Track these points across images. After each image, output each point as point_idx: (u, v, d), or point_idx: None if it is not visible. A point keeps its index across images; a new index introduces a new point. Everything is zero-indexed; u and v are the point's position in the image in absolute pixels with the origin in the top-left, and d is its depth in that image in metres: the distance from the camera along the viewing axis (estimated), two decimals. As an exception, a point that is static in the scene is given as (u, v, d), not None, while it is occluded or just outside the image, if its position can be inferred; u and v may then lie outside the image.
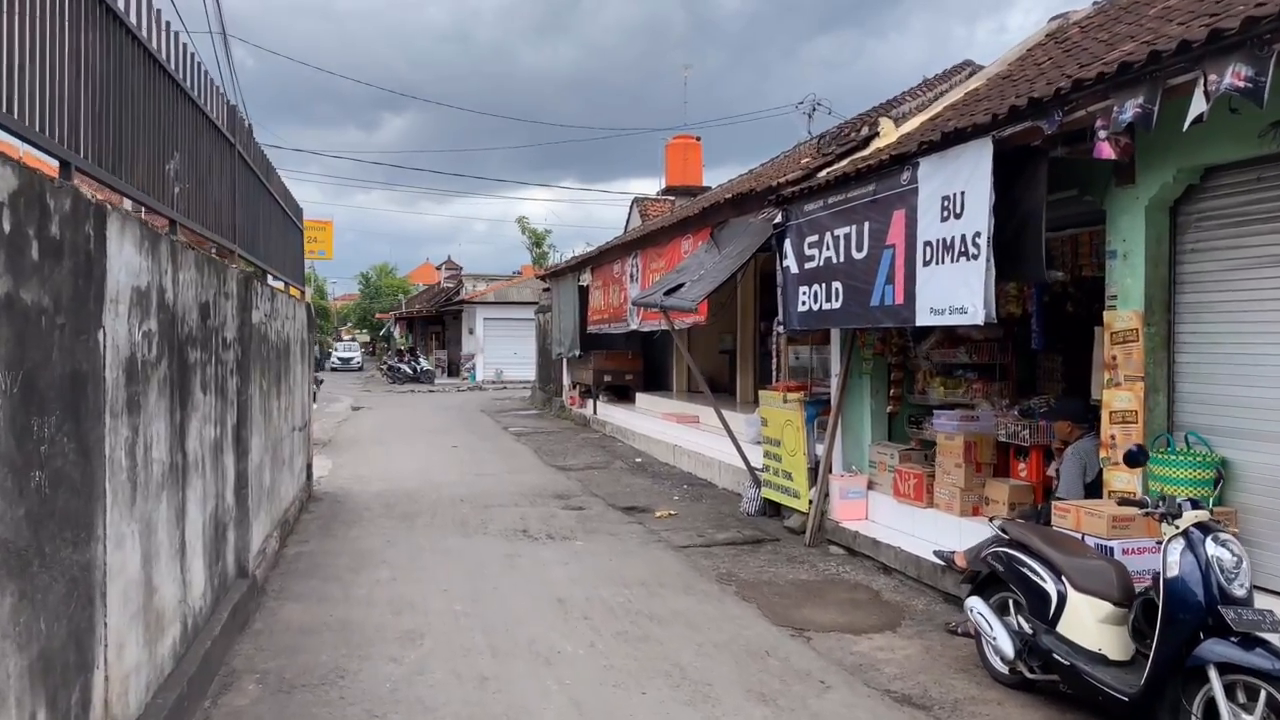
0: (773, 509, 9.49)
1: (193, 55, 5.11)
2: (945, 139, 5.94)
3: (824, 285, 7.75)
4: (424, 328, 48.95)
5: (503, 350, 35.32)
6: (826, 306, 7.75)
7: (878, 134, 8.97)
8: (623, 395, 19.19)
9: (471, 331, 36.55)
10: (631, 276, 15.30)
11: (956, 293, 5.97)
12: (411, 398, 29.32)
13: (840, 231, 7.43)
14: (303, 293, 10.98)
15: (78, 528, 3.20)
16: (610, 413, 18.32)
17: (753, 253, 9.21)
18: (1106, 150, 4.69)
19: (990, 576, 5.23)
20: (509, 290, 36.96)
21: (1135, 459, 4.43)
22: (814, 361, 10.35)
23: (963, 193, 5.87)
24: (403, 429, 18.83)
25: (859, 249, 7.15)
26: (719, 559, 7.87)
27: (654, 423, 15.57)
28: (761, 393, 9.85)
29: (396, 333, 53.94)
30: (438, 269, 65.50)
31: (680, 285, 10.10)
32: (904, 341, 8.36)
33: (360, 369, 49.41)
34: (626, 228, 25.13)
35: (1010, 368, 7.77)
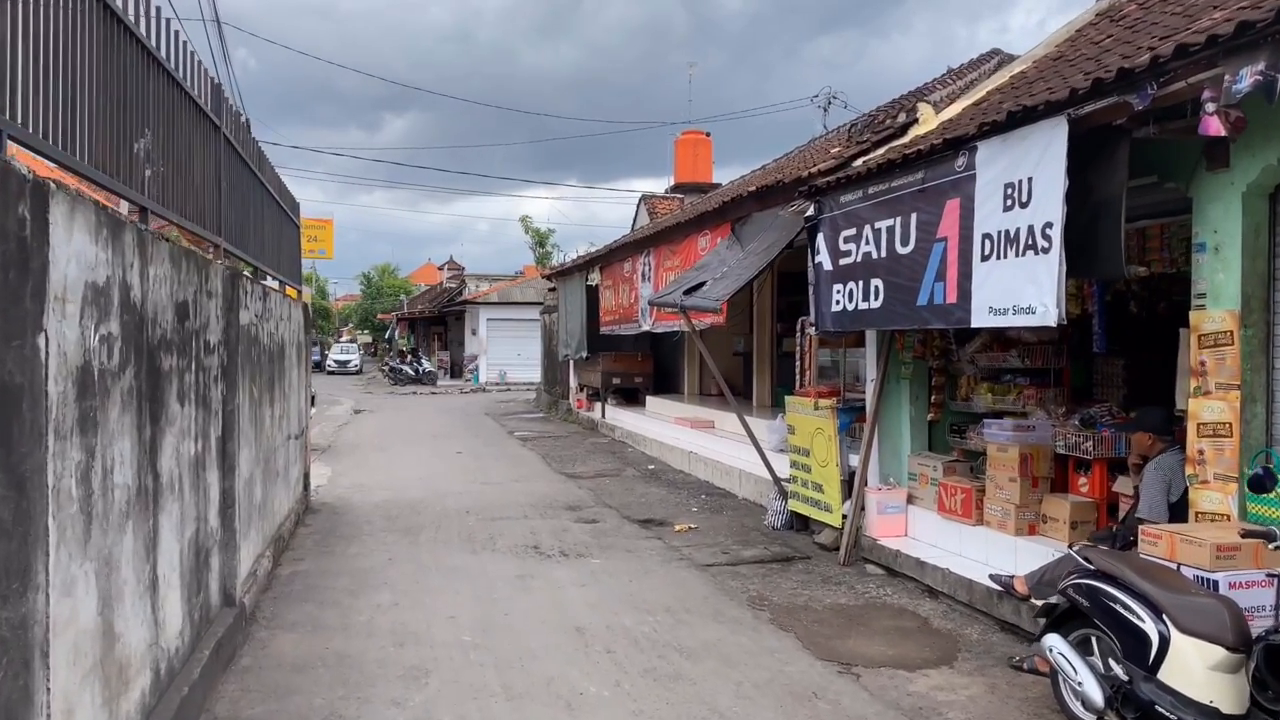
0: (800, 522, 8.88)
1: (168, 21, 4.51)
2: (1011, 119, 5.32)
3: (862, 283, 7.14)
4: (426, 328, 48.13)
5: (506, 351, 34.69)
6: (864, 306, 7.13)
7: (916, 120, 8.36)
8: (631, 398, 18.56)
9: (474, 332, 35.96)
10: (644, 275, 14.69)
11: (1022, 290, 5.36)
12: (414, 400, 28.73)
13: (882, 224, 6.82)
14: (299, 293, 10.38)
15: (8, 578, 2.60)
16: (619, 416, 17.70)
17: (781, 248, 8.60)
18: (1215, 126, 4.08)
19: (1070, 609, 4.63)
20: (512, 290, 36.35)
21: (1261, 484, 3.80)
22: (843, 365, 9.74)
23: (1030, 179, 5.26)
24: (405, 433, 18.24)
25: (904, 243, 6.53)
26: (747, 579, 7.27)
27: (666, 427, 14.95)
28: (788, 399, 9.23)
29: (398, 333, 52.97)
30: (440, 269, 64.86)
31: (701, 284, 9.49)
32: (946, 344, 7.75)
33: (359, 372, 46.40)
34: (634, 226, 24.49)
35: (1065, 372, 7.15)
